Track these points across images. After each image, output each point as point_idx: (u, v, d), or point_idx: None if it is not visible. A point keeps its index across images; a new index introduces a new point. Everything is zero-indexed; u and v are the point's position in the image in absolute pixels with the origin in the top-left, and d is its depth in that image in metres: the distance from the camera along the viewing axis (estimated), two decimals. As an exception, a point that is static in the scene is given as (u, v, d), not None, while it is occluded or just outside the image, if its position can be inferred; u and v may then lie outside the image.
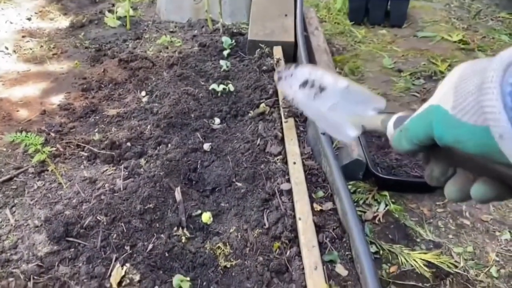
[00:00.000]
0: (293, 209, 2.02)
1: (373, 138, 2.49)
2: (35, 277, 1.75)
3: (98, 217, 2.00)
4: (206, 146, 2.47)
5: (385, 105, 1.36)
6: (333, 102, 1.20)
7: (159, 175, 2.23)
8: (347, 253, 1.80)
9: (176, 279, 1.71)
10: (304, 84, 1.29)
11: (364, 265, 1.57)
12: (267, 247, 1.86)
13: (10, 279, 1.74)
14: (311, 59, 3.05)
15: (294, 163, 2.17)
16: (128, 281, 1.73)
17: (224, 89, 2.84)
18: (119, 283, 1.73)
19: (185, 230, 2.00)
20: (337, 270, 1.72)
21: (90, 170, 2.40)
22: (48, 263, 1.83)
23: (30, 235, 1.98)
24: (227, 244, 1.90)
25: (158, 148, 2.49)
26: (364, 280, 1.60)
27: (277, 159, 2.35)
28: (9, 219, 2.08)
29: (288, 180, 2.16)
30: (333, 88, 1.27)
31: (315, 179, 2.18)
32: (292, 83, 1.47)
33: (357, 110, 1.17)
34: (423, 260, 1.99)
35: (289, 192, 2.10)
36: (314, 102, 1.29)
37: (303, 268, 1.72)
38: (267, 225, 1.98)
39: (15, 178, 2.33)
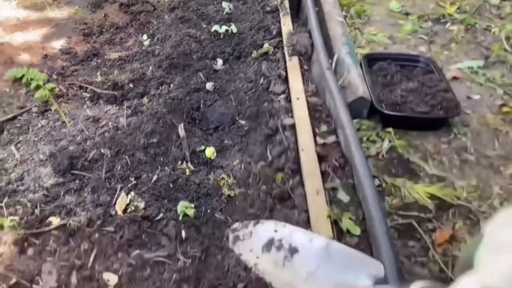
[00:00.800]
0: (296, 143, 2.01)
1: (378, 77, 2.45)
2: (42, 205, 1.78)
3: (102, 151, 2.01)
4: (209, 86, 2.45)
5: (383, 271, 1.06)
6: (311, 269, 0.96)
7: (162, 112, 2.22)
8: (349, 180, 1.80)
9: (181, 205, 1.73)
10: (269, 245, 1.09)
11: (366, 190, 1.58)
12: (270, 177, 1.87)
13: (18, 206, 1.77)
14: (317, 1, 2.97)
15: (298, 98, 2.14)
16: (133, 208, 1.75)
17: (226, 30, 2.79)
18: (124, 210, 1.76)
19: (189, 164, 2.01)
20: (338, 197, 1.73)
21: (93, 109, 2.39)
22: (54, 193, 1.85)
23: (35, 168, 2.00)
24: (231, 175, 1.91)
25: (160, 88, 2.47)
26: (366, 206, 1.61)
27: (281, 98, 2.33)
28: (14, 155, 2.09)
29: (292, 117, 2.15)
30: (308, 249, 1.04)
31: (319, 115, 2.17)
32: (253, 245, 1.15)
33: (346, 277, 0.95)
34: (426, 192, 1.99)
35: (292, 126, 2.09)
36: (284, 271, 1.02)
37: (305, 195, 1.73)
38: (270, 158, 1.98)
39: (19, 117, 2.33)
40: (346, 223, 1.58)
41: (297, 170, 1.90)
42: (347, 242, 1.58)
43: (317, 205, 1.61)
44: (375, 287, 0.85)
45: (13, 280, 1.47)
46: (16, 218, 1.70)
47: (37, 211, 1.75)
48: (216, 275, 1.55)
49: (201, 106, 2.36)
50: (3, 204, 1.78)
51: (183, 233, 1.69)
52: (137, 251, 1.63)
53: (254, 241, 1.18)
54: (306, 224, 1.65)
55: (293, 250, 1.06)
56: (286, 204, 1.75)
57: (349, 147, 1.81)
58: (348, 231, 1.59)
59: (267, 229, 1.21)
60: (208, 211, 1.80)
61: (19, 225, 1.68)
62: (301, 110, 2.06)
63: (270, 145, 2.06)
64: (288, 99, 2.31)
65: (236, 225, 1.33)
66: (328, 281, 0.93)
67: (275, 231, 1.18)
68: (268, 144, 2.07)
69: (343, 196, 1.72)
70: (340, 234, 1.60)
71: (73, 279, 1.54)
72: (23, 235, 1.64)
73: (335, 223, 1.61)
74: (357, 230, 1.57)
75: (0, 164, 2.03)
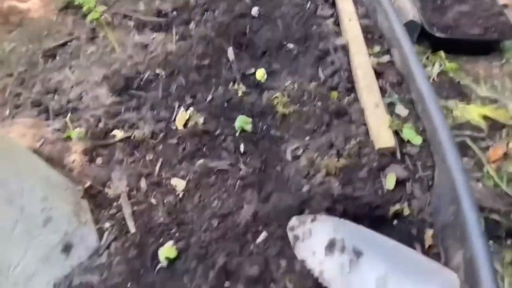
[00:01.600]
0: (348, 64, 2.01)
1: (427, 1, 2.39)
2: (105, 120, 1.84)
3: (156, 71, 2.04)
4: (254, 11, 2.42)
5: (458, 282, 0.97)
6: (380, 275, 0.91)
7: (211, 36, 2.22)
8: (406, 96, 1.81)
9: (239, 120, 1.77)
10: (331, 247, 1.03)
11: (426, 98, 1.58)
12: (324, 95, 1.89)
13: (82, 121, 1.83)
14: None
15: (350, 20, 2.11)
16: (193, 123, 1.80)
17: (269, -43, 2.71)
18: (184, 125, 1.81)
19: (240, 85, 2.03)
20: (397, 111, 1.74)
21: (140, 36, 2.40)
22: (114, 111, 1.90)
23: (92, 89, 2.05)
24: (284, 94, 1.93)
25: (205, 14, 2.45)
26: (426, 114, 1.61)
27: (329, 21, 2.30)
28: (69, 77, 2.14)
29: (343, 38, 2.13)
30: (374, 251, 1.00)
31: (371, 36, 2.14)
32: (314, 246, 1.07)
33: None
34: (479, 113, 1.99)
35: (344, 47, 2.07)
36: (351, 276, 0.96)
37: (362, 110, 1.75)
38: (323, 78, 1.99)
39: (69, 43, 2.36)
40: (407, 133, 1.60)
41: (351, 88, 1.91)
42: (408, 152, 1.62)
43: (377, 117, 1.63)
44: None
45: (88, 184, 1.55)
46: (83, 130, 1.76)
47: (101, 125, 1.82)
48: (278, 183, 1.61)
49: (248, 31, 2.35)
50: (67, 119, 1.84)
51: (242, 147, 1.74)
52: (201, 161, 1.69)
53: (315, 242, 1.11)
54: (365, 135, 1.68)
55: (358, 253, 1.02)
56: (343, 119, 1.77)
57: (407, 64, 1.80)
58: (408, 141, 1.62)
59: (326, 227, 1.14)
60: (264, 128, 1.84)
61: (86, 137, 1.75)
62: (354, 31, 2.04)
63: (322, 66, 2.05)
64: (336, 23, 2.28)
65: (293, 221, 1.28)
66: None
67: (335, 230, 1.12)
68: (319, 65, 2.07)
69: (401, 110, 1.73)
70: (401, 144, 1.63)
71: (143, 184, 1.62)
72: (91, 145, 1.71)
73: (395, 134, 1.63)
74: (418, 140, 1.59)
75: (58, 85, 2.09)
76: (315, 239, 1.10)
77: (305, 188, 1.53)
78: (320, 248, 1.07)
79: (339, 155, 1.61)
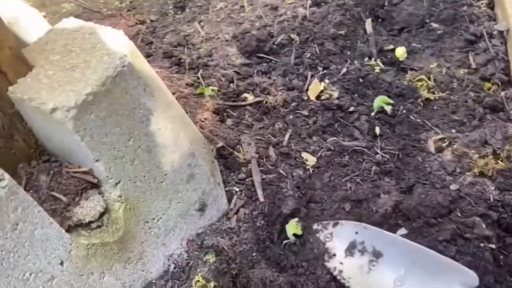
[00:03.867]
0: (506, 53, 1.77)
1: None
2: (236, 80, 1.79)
3: (291, 36, 1.95)
4: (397, -18, 2.22)
5: (477, 281, 0.98)
6: (399, 274, 0.96)
7: (350, 4, 2.07)
8: None
9: (379, 100, 1.64)
10: (352, 248, 1.10)
11: None
12: (477, 85, 1.69)
13: (213, 79, 1.80)
14: None
15: (514, 3, 1.85)
16: (327, 96, 1.70)
17: None
18: (317, 97, 1.71)
19: (377, 61, 1.88)
20: None
21: (270, -3, 2.30)
22: (244, 72, 1.85)
23: (222, 47, 2.00)
24: (430, 78, 1.75)
25: (341, -20, 2.29)
26: None
27: (481, 3, 2.05)
28: (199, 31, 2.11)
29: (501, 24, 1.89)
30: (393, 252, 1.02)
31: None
32: (334, 249, 1.13)
33: (437, 285, 0.89)
34: None
35: (502, 34, 1.83)
36: (370, 276, 1.00)
37: (525, 108, 1.54)
38: (474, 66, 1.78)
39: (199, -4, 2.32)
40: None
41: (508, 82, 1.69)
42: None
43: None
44: None
45: (220, 144, 1.52)
46: (215, 88, 1.72)
47: (232, 85, 1.77)
48: (417, 175, 1.48)
49: (386, 3, 2.16)
50: (199, 75, 1.82)
51: (377, 129, 1.61)
52: (333, 138, 1.59)
53: (336, 244, 1.15)
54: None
55: (377, 254, 1.02)
56: (499, 115, 1.58)
57: None
58: None
59: (348, 230, 1.15)
60: (404, 111, 1.69)
61: (218, 96, 1.71)
62: (519, 16, 1.79)
63: (473, 52, 1.84)
64: (491, 6, 2.03)
65: (315, 226, 1.30)
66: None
67: (356, 233, 1.13)
68: (469, 51, 1.85)
69: None
70: None
71: (272, 153, 1.55)
72: (222, 105, 1.67)
73: None
74: None
75: (188, 38, 2.06)
76: (336, 242, 1.15)
77: (453, 187, 1.38)
78: (340, 250, 1.12)
79: (495, 155, 1.43)
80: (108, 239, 1.03)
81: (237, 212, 1.41)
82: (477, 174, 1.39)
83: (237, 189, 1.46)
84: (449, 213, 1.30)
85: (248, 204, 1.43)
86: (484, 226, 1.24)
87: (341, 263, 1.08)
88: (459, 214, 1.29)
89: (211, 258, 1.23)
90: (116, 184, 1.04)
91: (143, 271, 1.15)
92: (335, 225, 1.22)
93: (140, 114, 1.05)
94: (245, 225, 1.38)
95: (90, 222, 1.02)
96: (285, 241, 1.37)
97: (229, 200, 1.43)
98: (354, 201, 1.42)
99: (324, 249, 1.19)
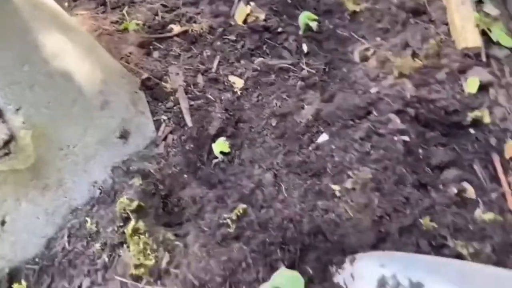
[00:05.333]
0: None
1: None
2: (162, 13, 1.75)
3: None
4: None
5: None
6: None
7: None
8: (499, -6, 1.57)
9: (304, 16, 1.62)
10: (381, 286, 0.84)
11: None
12: (401, -8, 1.67)
13: (139, 14, 1.76)
14: None
15: None
16: (253, 18, 1.68)
17: None
18: (244, 21, 1.69)
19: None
20: (485, 10, 1.52)
21: None
22: (172, 4, 1.81)
23: None
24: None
25: None
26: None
27: None
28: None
29: None
30: (437, 280, 0.81)
31: None
32: None
33: None
34: None
35: None
36: None
37: (444, 8, 1.54)
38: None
39: None
40: (496, 33, 1.39)
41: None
42: (495, 55, 1.42)
43: (462, 15, 1.43)
44: None
45: (145, 76, 1.51)
46: (140, 22, 1.69)
47: (158, 18, 1.74)
48: (342, 85, 1.49)
49: None
50: (124, 12, 1.77)
51: (305, 47, 1.61)
52: (260, 59, 1.59)
53: (361, 286, 0.92)
54: (446, 35, 1.49)
55: (417, 286, 0.83)
56: (422, 18, 1.58)
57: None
58: (497, 42, 1.42)
59: (370, 265, 0.93)
60: (330, 27, 1.68)
61: (143, 29, 1.68)
62: None
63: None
64: None
65: (329, 268, 1.05)
66: None
67: (382, 265, 0.90)
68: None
69: (491, 9, 1.51)
70: (487, 45, 1.43)
71: (200, 80, 1.55)
72: (148, 38, 1.65)
73: (482, 34, 1.43)
74: (509, 42, 1.38)
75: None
76: (360, 284, 0.91)
77: (374, 90, 1.40)
78: None
79: (415, 55, 1.45)
80: (18, 166, 1.04)
81: (165, 139, 1.42)
82: (397, 76, 1.41)
83: (165, 117, 1.47)
84: (367, 114, 1.33)
85: (177, 130, 1.44)
86: (398, 121, 1.27)
87: None
88: (376, 114, 1.31)
89: (137, 181, 1.25)
90: (17, 110, 1.04)
91: (65, 197, 1.17)
92: (352, 261, 0.96)
93: (33, 38, 1.03)
94: (174, 150, 1.40)
95: (-4, 150, 1.02)
96: (214, 161, 1.40)
97: (157, 129, 1.44)
98: (279, 116, 1.44)
99: None
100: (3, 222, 1.05)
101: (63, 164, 1.15)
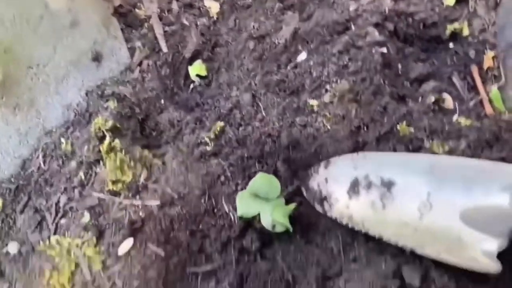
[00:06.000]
0: None
1: None
2: None
3: None
4: None
5: None
6: (422, 199, 0.74)
7: None
8: None
9: None
10: (354, 187, 0.86)
11: None
12: None
13: None
14: None
15: None
16: None
17: None
18: None
19: None
20: None
21: None
22: None
23: None
24: None
25: None
26: None
27: None
28: None
29: None
30: (408, 175, 0.80)
31: None
32: (335, 194, 0.89)
33: (472, 197, 0.69)
34: None
35: None
36: (387, 212, 0.79)
37: None
38: None
39: None
40: None
41: None
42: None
43: None
44: None
45: (117, 3, 1.46)
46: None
47: None
48: (321, 4, 1.45)
49: None
50: None
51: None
52: (236, -18, 1.54)
53: (334, 188, 0.91)
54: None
55: (388, 184, 0.81)
56: None
57: None
58: (477, -46, 1.38)
59: (344, 168, 0.92)
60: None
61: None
62: None
63: None
64: None
65: (303, 173, 1.05)
66: (451, 208, 0.71)
67: (355, 168, 0.90)
68: None
69: None
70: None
71: (174, 6, 1.51)
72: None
73: None
74: (489, -47, 1.34)
75: None
76: (333, 186, 0.91)
77: (352, 7, 1.37)
78: (342, 193, 0.88)
79: (393, -30, 1.40)
80: (-15, 82, 1.01)
81: (140, 64, 1.39)
82: (376, -8, 1.37)
83: (140, 44, 1.43)
84: (345, 30, 1.30)
85: (152, 56, 1.41)
86: (377, 33, 1.25)
87: (347, 207, 0.86)
88: (354, 29, 1.28)
89: (112, 104, 1.23)
90: (-22, 23, 1.00)
91: (38, 119, 1.15)
92: (327, 165, 0.95)
93: None
94: (149, 75, 1.37)
95: (-41, 64, 0.98)
96: (192, 85, 1.37)
97: (132, 56, 1.41)
98: (257, 38, 1.40)
99: (322, 197, 0.93)
100: (-26, 140, 1.03)
101: (34, 84, 1.12)
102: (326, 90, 1.20)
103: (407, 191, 0.79)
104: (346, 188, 0.88)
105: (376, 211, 0.81)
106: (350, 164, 0.91)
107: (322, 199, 0.93)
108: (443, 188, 0.75)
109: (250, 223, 1.03)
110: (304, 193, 1.00)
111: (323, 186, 0.92)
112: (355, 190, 0.86)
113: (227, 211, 1.07)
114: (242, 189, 1.08)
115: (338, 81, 1.19)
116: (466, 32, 1.29)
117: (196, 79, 1.35)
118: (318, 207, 0.97)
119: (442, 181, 0.76)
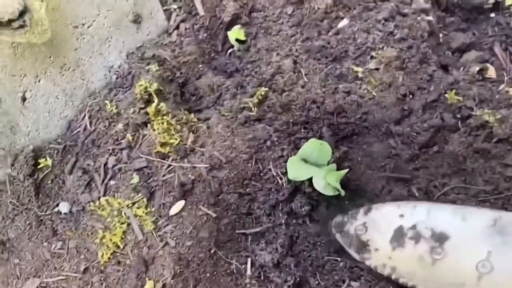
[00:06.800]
0: None
1: None
2: None
3: None
4: None
5: None
6: (480, 258, 0.67)
7: None
8: None
9: None
10: (399, 238, 0.78)
11: None
12: None
13: None
14: None
15: None
16: None
17: None
18: None
19: None
20: None
21: None
22: None
23: None
24: None
25: None
26: None
27: None
28: None
29: None
30: (465, 230, 0.72)
31: None
32: (375, 243, 0.83)
33: None
34: None
35: None
36: (437, 269, 0.72)
37: None
38: None
39: None
40: None
41: None
42: None
43: None
44: None
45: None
46: None
47: None
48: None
49: None
50: None
51: None
52: None
53: (374, 236, 0.84)
54: None
55: (440, 237, 0.74)
56: None
57: None
58: None
59: (388, 216, 0.85)
60: None
61: None
62: None
63: None
64: None
65: (339, 218, 0.97)
66: None
67: (401, 216, 0.82)
68: None
69: None
70: None
71: (209, -31, 1.47)
72: None
73: None
74: None
75: None
76: (373, 233, 0.83)
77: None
78: (383, 242, 0.82)
79: None
80: (34, 40, 0.99)
81: (177, 28, 1.38)
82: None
83: (176, 6, 1.41)
84: (384, -1, 1.29)
85: (189, 19, 1.39)
86: (422, 0, 1.24)
87: (390, 257, 0.79)
88: (397, -3, 1.27)
89: (153, 67, 1.21)
90: (29, -22, 0.97)
91: (83, 79, 1.14)
92: (367, 212, 0.88)
93: None
94: (187, 39, 1.36)
95: (10, 20, 0.96)
96: (229, 50, 1.36)
97: (168, 19, 1.38)
98: (295, 3, 1.38)
99: (359, 244, 0.86)
100: (24, 98, 1.02)
101: (79, 44, 1.11)
102: (372, 57, 1.20)
103: (462, 247, 0.72)
104: (388, 237, 0.81)
105: (424, 267, 0.75)
106: (396, 212, 0.84)
107: (360, 247, 0.86)
108: (506, 248, 0.68)
109: (298, 188, 1.05)
110: (339, 238, 0.92)
111: (361, 232, 0.87)
112: (399, 241, 0.79)
113: (274, 175, 1.08)
114: (288, 154, 1.09)
115: (384, 48, 1.19)
116: (509, 1, 1.28)
117: (236, 44, 1.34)
118: (354, 255, 0.89)
119: (506, 239, 0.69)
